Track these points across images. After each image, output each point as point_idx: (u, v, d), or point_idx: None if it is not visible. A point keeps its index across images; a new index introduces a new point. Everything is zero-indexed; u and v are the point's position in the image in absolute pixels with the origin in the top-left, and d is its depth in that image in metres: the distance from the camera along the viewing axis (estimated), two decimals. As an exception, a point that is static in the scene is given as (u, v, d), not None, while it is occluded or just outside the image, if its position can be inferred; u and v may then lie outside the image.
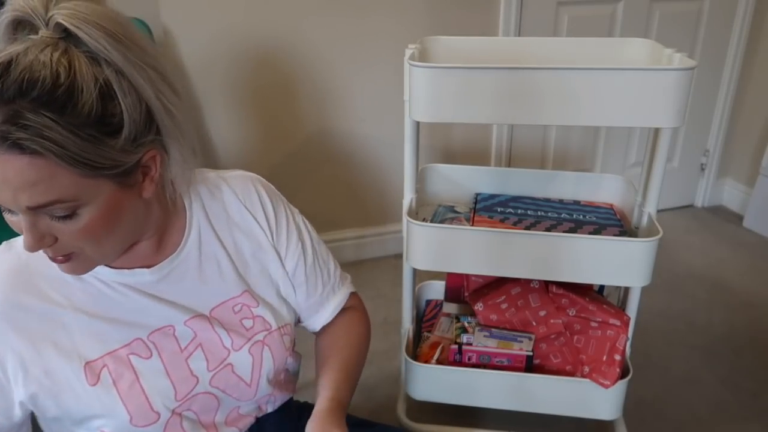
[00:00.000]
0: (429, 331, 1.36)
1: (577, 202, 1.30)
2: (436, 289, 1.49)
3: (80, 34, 0.56)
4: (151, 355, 0.73)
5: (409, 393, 1.28)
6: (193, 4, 1.65)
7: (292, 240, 0.84)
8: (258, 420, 0.83)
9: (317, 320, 0.89)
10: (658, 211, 1.10)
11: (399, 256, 1.26)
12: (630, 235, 1.15)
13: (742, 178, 2.39)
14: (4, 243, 0.71)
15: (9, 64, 0.53)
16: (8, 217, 0.61)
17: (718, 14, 2.14)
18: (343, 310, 0.91)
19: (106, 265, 0.71)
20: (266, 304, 0.81)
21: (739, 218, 2.33)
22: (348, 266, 1.97)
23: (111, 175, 0.60)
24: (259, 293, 0.81)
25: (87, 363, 0.70)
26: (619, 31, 2.05)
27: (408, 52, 1.05)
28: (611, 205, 1.29)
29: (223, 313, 0.78)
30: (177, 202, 0.76)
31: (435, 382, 1.23)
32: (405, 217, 1.13)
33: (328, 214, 2.01)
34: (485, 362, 1.20)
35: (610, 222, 1.20)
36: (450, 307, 1.39)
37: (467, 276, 1.31)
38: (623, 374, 1.16)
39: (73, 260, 0.65)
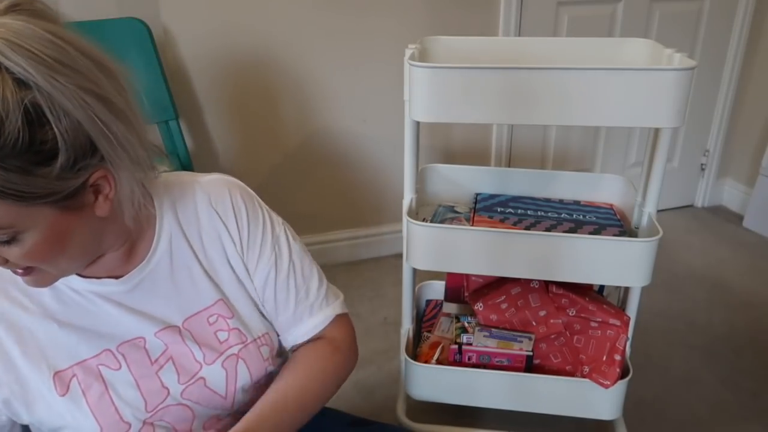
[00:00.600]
0: (429, 331, 1.36)
1: (577, 202, 1.30)
2: (436, 289, 1.49)
3: (1, 59, 0.51)
4: (120, 367, 0.71)
5: (409, 393, 1.28)
6: (193, 4, 1.65)
7: (265, 251, 0.79)
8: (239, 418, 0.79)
9: (287, 339, 0.83)
10: (658, 211, 1.10)
11: (399, 256, 1.26)
12: (630, 235, 1.15)
13: (742, 178, 2.39)
14: None
15: None
16: None
17: (718, 14, 2.14)
18: (320, 338, 0.82)
19: (77, 274, 0.70)
20: (241, 315, 0.78)
21: (739, 218, 2.33)
22: (347, 266, 1.98)
23: (50, 201, 0.57)
24: (233, 303, 0.78)
25: (56, 372, 0.69)
26: (619, 31, 2.05)
27: (408, 52, 1.05)
28: (611, 205, 1.29)
29: (196, 324, 0.75)
30: (143, 212, 0.71)
31: (435, 382, 1.23)
32: (405, 217, 1.13)
33: (328, 214, 2.01)
34: (485, 362, 1.20)
35: (610, 222, 1.20)
36: (450, 307, 1.39)
37: (467, 276, 1.31)
38: (623, 374, 1.16)
39: (33, 274, 0.64)
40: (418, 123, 1.09)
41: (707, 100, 2.28)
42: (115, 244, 0.70)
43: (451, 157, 2.02)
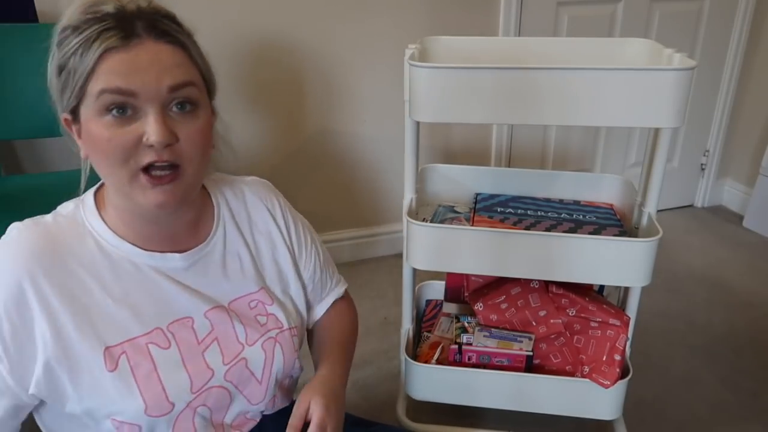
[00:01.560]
0: (429, 331, 1.36)
1: (577, 202, 1.30)
2: (436, 289, 1.49)
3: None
4: (170, 346, 0.74)
5: (408, 393, 1.28)
6: (193, 5, 1.65)
7: (307, 243, 0.90)
8: (259, 423, 0.83)
9: (313, 317, 0.94)
10: (658, 211, 1.10)
11: (399, 256, 1.26)
12: (630, 235, 1.15)
13: (742, 178, 2.39)
14: (30, 220, 0.72)
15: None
16: (120, 131, 0.64)
17: (718, 14, 2.14)
18: (339, 299, 0.98)
19: (140, 247, 0.73)
20: (279, 303, 0.84)
21: (739, 218, 2.33)
22: (348, 266, 1.98)
23: (210, 101, 0.73)
24: (273, 292, 0.84)
25: (107, 348, 0.70)
26: (619, 31, 2.05)
27: (408, 52, 1.05)
28: (611, 205, 1.29)
29: (239, 307, 0.80)
30: (206, 192, 0.81)
31: (435, 382, 1.23)
32: (405, 217, 1.13)
33: (329, 214, 2.01)
34: (485, 362, 1.20)
35: (610, 222, 1.20)
36: (450, 307, 1.39)
37: (467, 276, 1.31)
38: (623, 374, 1.16)
39: (175, 180, 0.68)
40: (418, 123, 1.09)
41: (707, 100, 2.28)
42: (193, 206, 0.77)
43: (451, 157, 2.02)
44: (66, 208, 0.75)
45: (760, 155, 2.24)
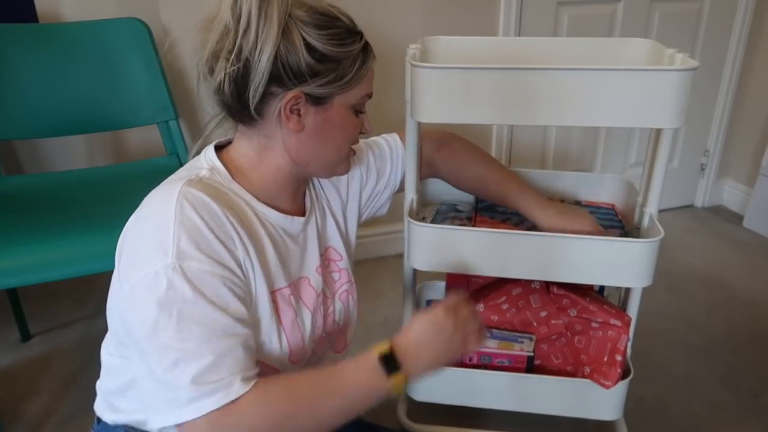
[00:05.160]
0: (429, 332, 1.36)
1: (578, 203, 1.30)
2: (436, 289, 1.49)
3: None
4: (301, 298, 0.86)
5: (409, 393, 1.28)
6: (193, 4, 1.64)
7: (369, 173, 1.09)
8: None
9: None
10: (658, 212, 1.10)
11: (399, 256, 1.26)
12: (631, 236, 1.15)
13: (742, 178, 2.39)
14: (190, 180, 0.77)
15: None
16: (357, 122, 0.85)
17: (718, 14, 2.14)
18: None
19: (273, 207, 0.84)
20: (347, 259, 0.99)
21: (739, 218, 2.34)
22: (348, 266, 1.97)
23: None
24: (338, 249, 0.98)
25: (272, 291, 0.80)
26: (619, 31, 2.05)
27: (409, 52, 1.05)
28: (612, 205, 1.29)
29: (323, 264, 0.93)
30: None
31: (435, 383, 1.23)
32: (406, 218, 1.13)
33: (328, 214, 2.01)
34: (486, 363, 1.20)
35: (611, 222, 1.20)
36: (450, 308, 1.39)
37: (468, 276, 1.31)
38: (624, 375, 1.16)
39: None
40: (419, 123, 1.08)
41: (707, 100, 2.28)
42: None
43: (451, 157, 2.02)
44: (199, 174, 0.80)
45: (760, 155, 2.24)
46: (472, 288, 1.31)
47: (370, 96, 0.85)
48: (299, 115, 0.78)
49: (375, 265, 2.04)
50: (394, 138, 1.14)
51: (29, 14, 1.63)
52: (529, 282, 1.21)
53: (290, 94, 0.75)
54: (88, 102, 1.58)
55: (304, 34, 0.74)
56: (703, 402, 1.45)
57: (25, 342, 1.66)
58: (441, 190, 1.37)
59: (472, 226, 1.18)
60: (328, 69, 0.76)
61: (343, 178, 1.02)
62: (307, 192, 0.94)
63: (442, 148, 1.15)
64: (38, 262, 1.20)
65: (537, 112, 0.95)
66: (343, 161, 0.88)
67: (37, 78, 1.54)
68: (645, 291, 1.14)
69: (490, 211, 1.24)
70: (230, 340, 0.70)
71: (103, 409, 0.87)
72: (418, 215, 1.25)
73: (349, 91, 0.80)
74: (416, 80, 0.97)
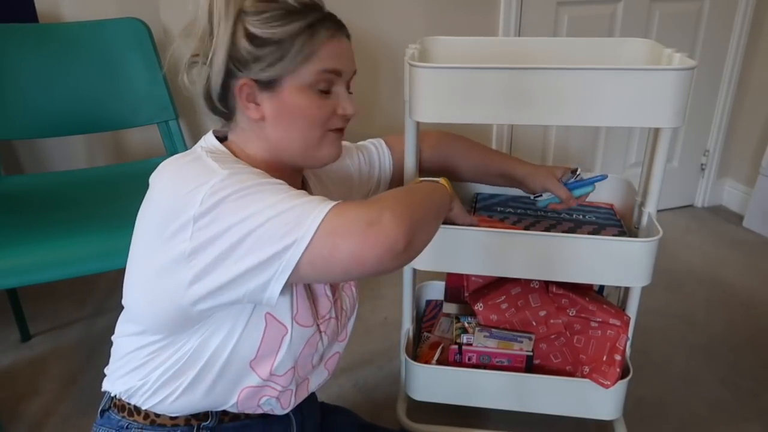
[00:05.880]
0: (429, 332, 1.36)
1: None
2: (436, 289, 1.49)
3: None
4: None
5: (409, 393, 1.28)
6: (193, 5, 1.65)
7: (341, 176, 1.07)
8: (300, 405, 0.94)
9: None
10: (658, 211, 1.10)
11: (399, 256, 1.26)
12: (630, 235, 1.15)
13: (742, 178, 2.39)
14: (202, 148, 0.80)
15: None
16: (323, 103, 0.80)
17: (718, 14, 2.14)
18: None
19: None
20: None
21: (739, 218, 2.34)
22: (348, 266, 1.97)
23: None
24: None
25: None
26: (619, 31, 2.05)
27: (408, 52, 1.05)
28: (611, 205, 1.29)
29: None
30: None
31: (435, 383, 1.23)
32: (405, 217, 1.13)
33: (328, 214, 2.01)
34: (485, 362, 1.20)
35: (610, 222, 1.20)
36: (450, 307, 1.39)
37: (467, 276, 1.31)
38: (623, 374, 1.16)
39: (340, 139, 0.86)
40: (418, 123, 1.08)
41: (707, 100, 2.28)
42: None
43: (451, 157, 2.02)
44: (207, 149, 0.80)
45: (760, 155, 2.24)
46: (472, 287, 1.31)
47: (334, 73, 0.79)
48: (257, 104, 0.78)
49: (375, 265, 2.04)
50: (380, 142, 1.16)
51: (29, 14, 1.63)
52: (529, 281, 1.21)
53: (239, 82, 0.77)
54: (88, 102, 1.58)
55: (246, 24, 0.75)
56: (703, 402, 1.45)
57: (25, 342, 1.67)
58: (440, 189, 1.37)
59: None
60: (268, 52, 0.75)
61: (344, 171, 1.04)
62: (309, 184, 0.94)
63: (442, 142, 1.19)
64: (38, 262, 1.20)
65: (536, 112, 0.95)
66: (323, 147, 0.83)
67: (37, 78, 1.54)
68: (644, 290, 1.15)
69: (488, 211, 1.24)
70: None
71: (110, 382, 0.86)
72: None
73: (297, 70, 0.76)
74: (415, 80, 0.97)
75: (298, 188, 0.87)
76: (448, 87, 0.95)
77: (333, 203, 0.68)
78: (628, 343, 1.18)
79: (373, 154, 1.13)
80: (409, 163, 1.11)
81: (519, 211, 1.24)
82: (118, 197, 1.43)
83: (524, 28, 1.95)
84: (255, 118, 0.79)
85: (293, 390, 0.88)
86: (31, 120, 1.53)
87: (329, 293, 0.89)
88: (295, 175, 0.89)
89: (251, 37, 0.75)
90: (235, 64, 0.76)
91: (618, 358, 1.15)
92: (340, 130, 0.85)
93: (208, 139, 0.83)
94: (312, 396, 0.98)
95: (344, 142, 1.06)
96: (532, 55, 1.20)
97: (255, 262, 0.66)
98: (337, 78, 0.80)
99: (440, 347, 1.28)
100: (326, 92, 0.80)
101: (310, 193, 0.92)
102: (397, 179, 1.15)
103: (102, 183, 1.56)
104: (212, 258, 0.68)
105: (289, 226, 0.66)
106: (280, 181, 0.73)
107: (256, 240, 0.66)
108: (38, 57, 1.54)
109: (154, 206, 0.73)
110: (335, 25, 0.80)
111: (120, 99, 1.60)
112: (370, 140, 1.16)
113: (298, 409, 0.93)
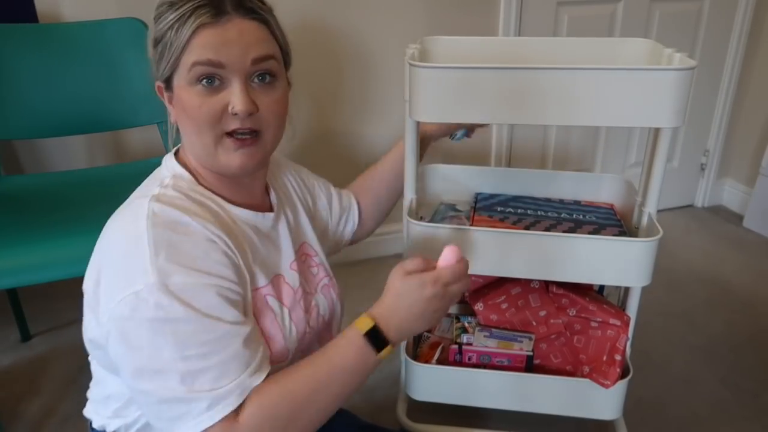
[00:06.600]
0: (429, 331, 1.36)
1: (577, 202, 1.30)
2: (436, 289, 1.48)
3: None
4: (279, 298, 0.82)
5: (409, 393, 1.28)
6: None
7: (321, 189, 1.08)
8: None
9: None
10: (658, 211, 1.10)
11: (399, 256, 1.26)
12: (630, 235, 1.15)
13: (742, 178, 2.39)
14: (160, 201, 0.75)
15: None
16: (209, 100, 0.72)
17: (718, 14, 2.14)
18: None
19: (238, 205, 0.80)
20: (321, 253, 0.97)
21: (739, 218, 2.34)
22: (348, 266, 1.98)
23: (285, 73, 0.79)
24: (312, 245, 0.96)
25: (253, 290, 0.79)
26: (619, 31, 2.05)
27: (408, 52, 1.05)
28: (611, 205, 1.29)
29: (298, 261, 0.90)
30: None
31: (435, 383, 1.23)
32: (405, 218, 1.13)
33: (328, 214, 2.01)
34: (485, 362, 1.20)
35: (610, 222, 1.20)
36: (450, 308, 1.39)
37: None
38: (623, 374, 1.16)
39: (255, 144, 0.75)
40: (418, 123, 1.08)
41: (707, 100, 2.28)
42: (266, 170, 0.87)
43: (451, 157, 2.02)
44: (163, 183, 0.78)
45: (760, 155, 2.24)
46: (472, 287, 1.31)
47: (211, 64, 0.70)
48: (171, 103, 0.77)
49: (375, 265, 2.04)
50: (349, 196, 1.16)
51: (29, 14, 1.63)
52: (529, 281, 1.21)
53: (156, 86, 0.77)
54: (87, 102, 1.58)
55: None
56: (703, 402, 1.45)
57: (25, 342, 1.67)
58: (440, 190, 1.37)
59: (471, 225, 1.18)
60: (158, 51, 0.74)
61: (311, 192, 1.06)
62: (271, 187, 0.91)
63: (363, 188, 1.19)
64: (38, 262, 1.20)
65: (536, 112, 0.95)
66: (220, 153, 0.74)
67: (37, 78, 1.54)
68: (645, 290, 1.15)
69: (488, 211, 1.24)
70: (232, 346, 0.69)
71: (92, 413, 0.86)
72: (417, 215, 1.25)
73: (178, 66, 0.72)
74: (415, 80, 0.97)
75: (257, 198, 0.85)
76: (448, 87, 0.95)
77: (225, 413, 0.67)
78: (628, 343, 1.18)
79: (337, 205, 1.12)
80: (409, 164, 1.11)
81: (519, 211, 1.24)
82: (118, 197, 1.43)
83: (524, 28, 1.95)
84: (173, 122, 0.78)
85: None
86: (31, 120, 1.53)
87: (302, 305, 0.87)
88: (254, 180, 0.84)
89: (153, 40, 0.75)
90: (152, 67, 0.77)
91: (618, 358, 1.15)
92: (242, 139, 0.74)
93: (170, 165, 0.81)
94: None
95: (328, 184, 1.12)
96: (532, 55, 1.20)
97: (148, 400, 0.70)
98: (221, 70, 0.71)
99: (440, 347, 1.28)
100: (217, 88, 0.72)
101: (272, 208, 0.89)
102: (358, 239, 1.18)
103: (102, 183, 1.56)
104: (118, 358, 0.71)
105: (180, 405, 0.67)
106: (215, 302, 0.69)
107: (153, 377, 0.68)
108: (38, 57, 1.54)
109: (90, 275, 0.75)
110: (215, 11, 0.70)
111: (120, 99, 1.60)
112: (343, 191, 1.16)
113: None
